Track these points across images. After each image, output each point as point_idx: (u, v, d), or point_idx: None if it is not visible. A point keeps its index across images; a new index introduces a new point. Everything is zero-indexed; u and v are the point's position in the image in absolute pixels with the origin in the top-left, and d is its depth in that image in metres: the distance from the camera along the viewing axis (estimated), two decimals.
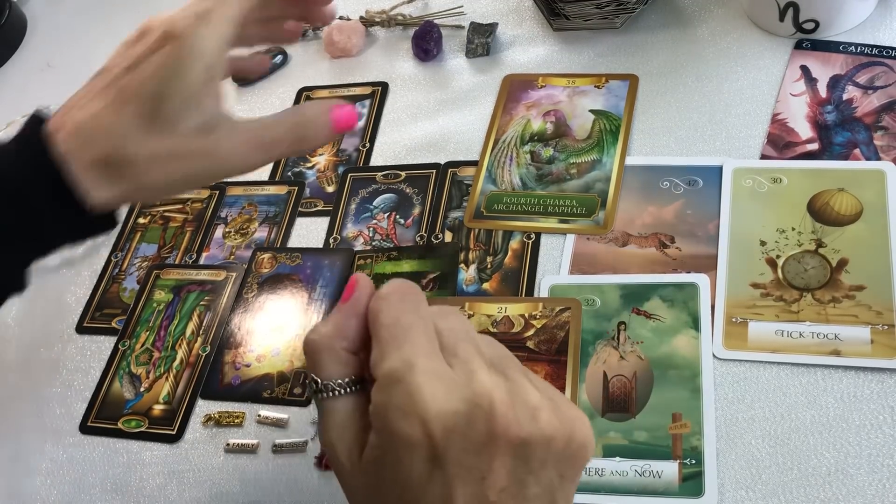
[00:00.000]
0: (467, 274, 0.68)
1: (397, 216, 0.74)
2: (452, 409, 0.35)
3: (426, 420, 0.35)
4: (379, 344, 0.38)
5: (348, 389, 0.40)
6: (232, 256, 0.76)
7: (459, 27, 0.86)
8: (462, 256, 0.69)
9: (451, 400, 0.35)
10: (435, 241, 0.71)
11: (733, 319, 0.60)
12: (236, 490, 0.62)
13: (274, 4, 0.55)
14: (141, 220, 0.82)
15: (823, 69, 0.71)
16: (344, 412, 0.39)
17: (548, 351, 0.61)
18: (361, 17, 0.90)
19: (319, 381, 0.40)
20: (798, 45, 0.73)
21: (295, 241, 0.76)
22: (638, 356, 0.60)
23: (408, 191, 0.76)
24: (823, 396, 0.56)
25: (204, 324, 0.72)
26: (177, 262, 0.77)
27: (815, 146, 0.67)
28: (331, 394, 0.39)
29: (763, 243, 0.63)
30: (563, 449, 0.36)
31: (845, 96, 0.69)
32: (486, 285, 0.67)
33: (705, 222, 0.66)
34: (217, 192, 0.81)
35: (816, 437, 0.54)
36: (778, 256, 0.62)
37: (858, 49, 0.71)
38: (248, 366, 0.68)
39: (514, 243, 0.69)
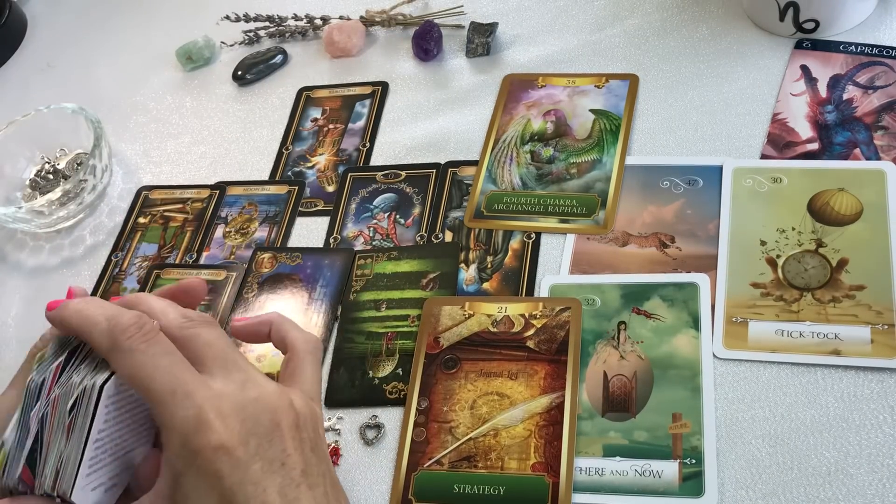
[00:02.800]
0: (467, 274, 0.68)
1: (397, 216, 0.74)
2: (239, 417, 0.39)
3: (220, 435, 0.38)
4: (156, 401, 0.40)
5: None
6: (232, 256, 0.76)
7: (459, 27, 0.86)
8: (462, 256, 0.69)
9: (233, 407, 0.39)
10: (435, 241, 0.71)
11: (733, 319, 0.60)
12: None
13: None
14: (141, 220, 0.82)
15: (823, 69, 0.71)
16: None
17: (548, 351, 0.61)
18: (361, 17, 0.90)
19: None
20: (798, 45, 0.73)
21: (295, 241, 0.76)
22: (638, 356, 0.60)
23: (408, 191, 0.76)
24: (823, 396, 0.56)
25: None
26: (177, 262, 0.77)
27: (815, 146, 0.67)
28: None
29: (763, 243, 0.63)
30: (316, 418, 0.43)
31: (845, 96, 0.69)
32: (486, 285, 0.67)
33: (705, 222, 0.66)
34: (217, 192, 0.81)
35: (816, 437, 0.54)
36: (778, 256, 0.62)
37: (858, 49, 0.72)
38: None
39: (515, 243, 0.69)
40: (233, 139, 0.86)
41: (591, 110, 0.75)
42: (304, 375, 0.46)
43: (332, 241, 0.74)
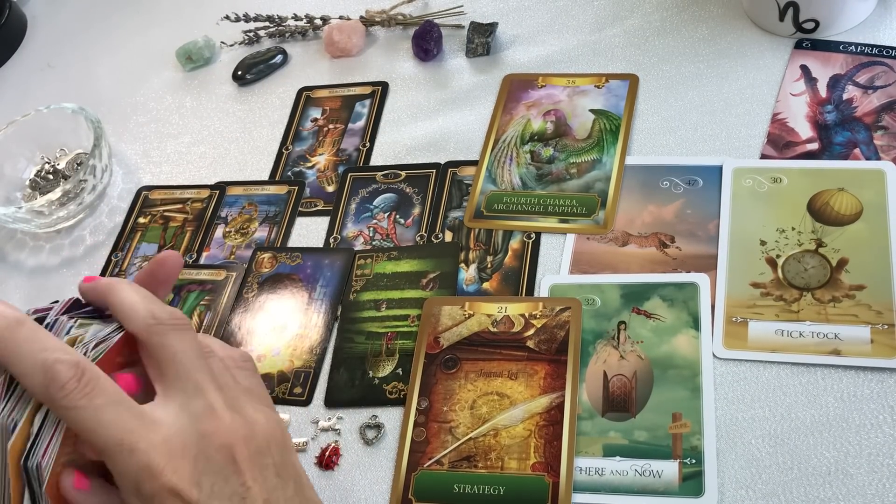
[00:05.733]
0: (467, 274, 0.68)
1: (397, 216, 0.74)
2: (189, 457, 0.39)
3: (170, 479, 0.38)
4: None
5: None
6: (232, 256, 0.76)
7: (459, 27, 0.86)
8: (462, 256, 0.69)
9: (182, 448, 0.39)
10: (435, 241, 0.71)
11: (733, 319, 0.60)
12: None
13: None
14: (141, 220, 0.82)
15: (823, 69, 0.71)
16: None
17: (548, 350, 0.61)
18: (361, 17, 0.90)
19: None
20: (798, 45, 0.73)
21: (295, 241, 0.76)
22: (638, 356, 0.60)
23: (408, 190, 0.76)
24: (823, 396, 0.56)
25: (204, 323, 0.72)
26: None
27: (815, 146, 0.67)
28: None
29: (763, 243, 0.63)
30: (282, 438, 0.43)
31: (845, 96, 0.69)
32: (486, 285, 0.67)
33: (705, 222, 0.66)
34: (217, 192, 0.81)
35: (816, 437, 0.54)
36: (778, 256, 0.62)
37: (858, 49, 0.72)
38: None
39: (515, 243, 0.69)
40: (233, 139, 0.86)
41: (591, 110, 0.75)
42: (253, 381, 0.45)
43: (332, 241, 0.74)
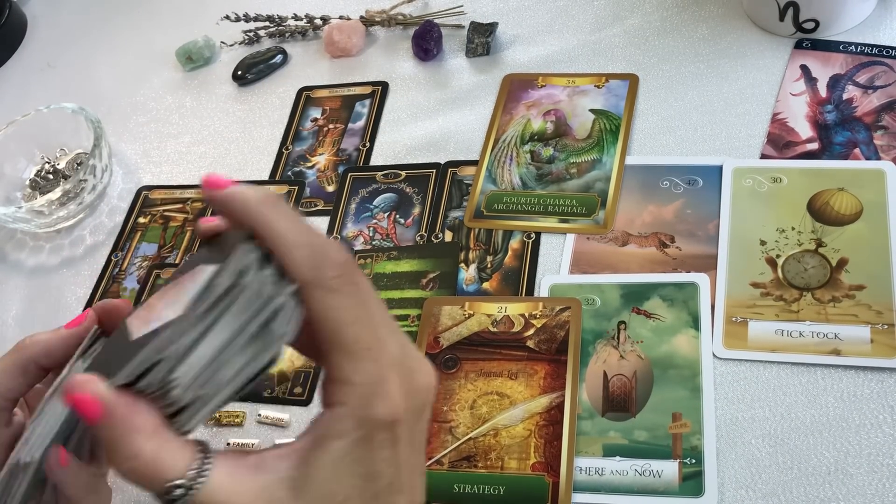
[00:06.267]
0: (467, 273, 0.68)
1: (397, 216, 0.74)
2: (405, 389, 0.36)
3: (395, 407, 0.36)
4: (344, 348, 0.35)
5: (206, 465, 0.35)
6: None
7: (459, 27, 0.86)
8: (462, 256, 0.69)
9: (402, 378, 0.36)
10: (435, 241, 0.71)
11: (733, 319, 0.60)
12: None
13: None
14: (141, 220, 0.82)
15: (823, 69, 0.71)
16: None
17: (548, 350, 0.61)
18: (361, 17, 0.90)
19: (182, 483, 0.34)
20: (798, 45, 0.73)
21: None
22: (638, 356, 0.60)
23: (408, 190, 0.76)
24: (823, 396, 0.56)
25: None
26: (177, 262, 0.77)
27: (815, 146, 0.67)
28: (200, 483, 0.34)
29: (763, 243, 0.63)
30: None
31: (845, 96, 0.69)
32: (486, 285, 0.67)
33: (705, 222, 0.66)
34: None
35: (816, 437, 0.54)
36: (778, 256, 0.62)
37: (858, 49, 0.72)
38: None
39: (515, 243, 0.69)
40: (233, 139, 0.86)
41: (591, 110, 0.75)
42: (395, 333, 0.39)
43: None
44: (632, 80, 0.76)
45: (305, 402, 0.65)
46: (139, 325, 0.36)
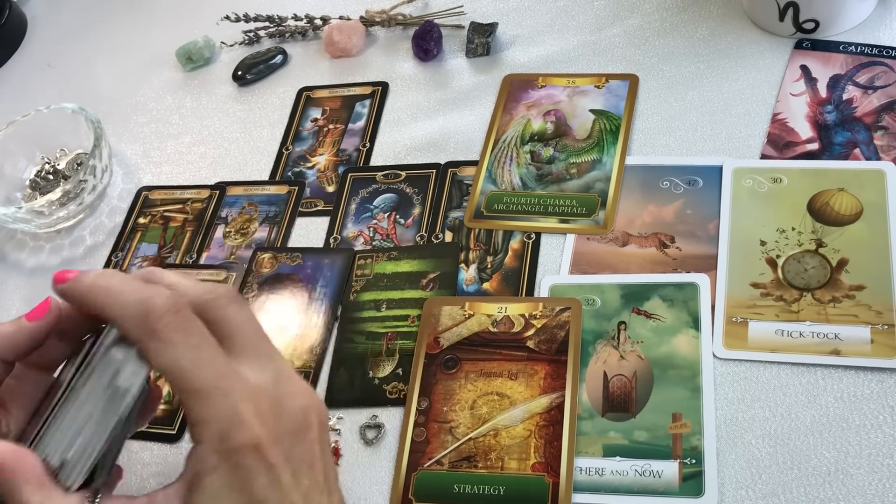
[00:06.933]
0: (467, 274, 0.68)
1: (397, 216, 0.74)
2: (274, 414, 0.38)
3: (257, 433, 0.37)
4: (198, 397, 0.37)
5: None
6: (232, 256, 0.76)
7: (459, 27, 0.86)
8: (462, 256, 0.69)
9: (269, 404, 0.38)
10: (435, 241, 0.71)
11: (733, 319, 0.60)
12: None
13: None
14: (141, 220, 0.82)
15: (823, 69, 0.71)
16: None
17: (548, 351, 0.61)
18: (361, 17, 0.90)
19: None
20: (798, 45, 0.73)
21: (295, 241, 0.76)
22: (638, 356, 0.60)
23: (408, 191, 0.76)
24: (823, 396, 0.56)
25: None
26: (177, 263, 0.77)
27: (815, 146, 0.67)
28: None
29: (763, 243, 0.63)
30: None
31: (845, 96, 0.69)
32: (486, 285, 0.67)
33: (705, 222, 0.66)
34: (217, 192, 0.81)
35: (816, 437, 0.54)
36: (778, 256, 0.62)
37: (858, 49, 0.72)
38: None
39: (515, 243, 0.69)
40: (233, 139, 0.86)
41: (591, 110, 0.75)
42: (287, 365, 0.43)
43: (332, 241, 0.74)
44: (632, 81, 0.76)
45: None
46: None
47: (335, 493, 0.40)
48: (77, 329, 0.43)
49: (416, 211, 0.74)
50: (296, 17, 0.93)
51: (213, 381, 0.37)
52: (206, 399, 0.37)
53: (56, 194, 0.79)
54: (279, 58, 0.91)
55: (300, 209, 0.78)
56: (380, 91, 0.85)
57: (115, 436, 0.39)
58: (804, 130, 0.68)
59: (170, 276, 0.41)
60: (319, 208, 0.77)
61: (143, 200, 0.84)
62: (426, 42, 0.84)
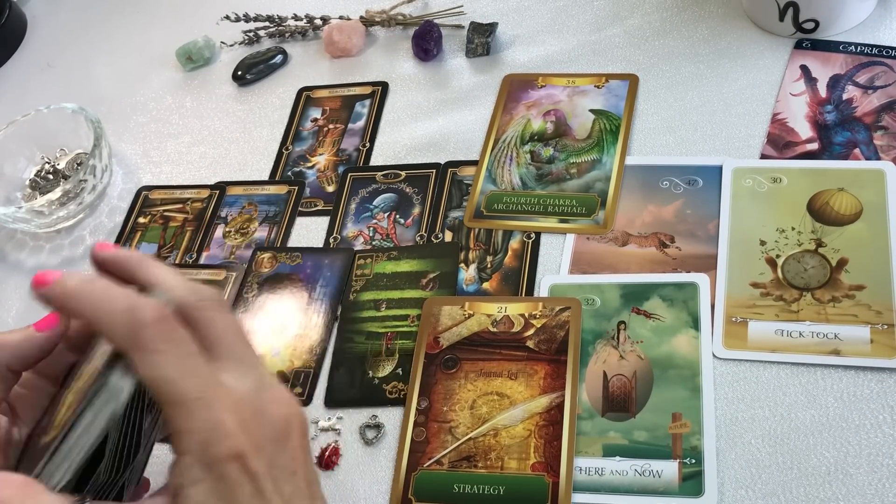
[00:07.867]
0: (467, 273, 0.68)
1: (397, 216, 0.74)
2: (256, 422, 0.38)
3: (239, 442, 0.37)
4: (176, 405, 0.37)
5: None
6: (232, 256, 0.76)
7: (459, 27, 0.86)
8: (462, 256, 0.69)
9: (251, 412, 0.38)
10: (435, 241, 0.71)
11: (733, 319, 0.60)
12: None
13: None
14: (141, 220, 0.82)
15: (823, 69, 0.71)
16: None
17: (548, 350, 0.61)
18: (361, 17, 0.90)
19: None
20: (798, 45, 0.73)
21: (295, 241, 0.76)
22: (638, 356, 0.60)
23: (408, 190, 0.76)
24: (823, 396, 0.56)
25: None
26: (177, 262, 0.77)
27: (814, 146, 0.67)
28: None
29: (763, 243, 0.63)
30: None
31: (845, 96, 0.69)
32: (486, 285, 0.67)
33: (705, 222, 0.66)
34: (217, 192, 0.81)
35: (816, 437, 0.54)
36: (778, 256, 0.62)
37: (858, 49, 0.72)
38: None
39: (514, 243, 0.69)
40: (233, 139, 0.86)
41: (591, 110, 0.75)
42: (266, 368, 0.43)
43: (331, 241, 0.74)
44: (632, 81, 0.76)
45: (305, 403, 0.65)
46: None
47: (318, 499, 0.40)
48: (85, 338, 0.43)
49: (416, 211, 0.74)
50: (296, 17, 0.93)
51: (196, 392, 0.37)
52: (189, 409, 0.37)
53: (56, 194, 0.79)
54: (279, 58, 0.91)
55: (300, 209, 0.78)
56: (380, 91, 0.85)
57: (116, 439, 0.39)
58: (804, 130, 0.68)
59: (158, 269, 0.41)
60: (319, 208, 0.77)
61: (142, 200, 0.84)
62: (426, 42, 0.84)
